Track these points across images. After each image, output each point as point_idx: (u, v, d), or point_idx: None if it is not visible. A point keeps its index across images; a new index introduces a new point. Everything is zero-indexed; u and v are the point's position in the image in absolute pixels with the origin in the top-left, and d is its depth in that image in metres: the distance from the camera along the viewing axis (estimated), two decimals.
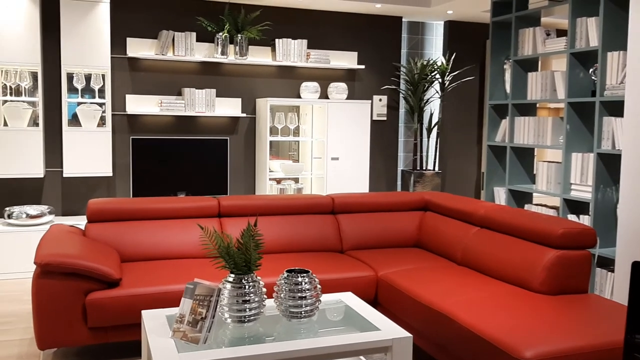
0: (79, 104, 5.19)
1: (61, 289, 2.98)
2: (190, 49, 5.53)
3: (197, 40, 5.70)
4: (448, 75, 6.53)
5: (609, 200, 4.14)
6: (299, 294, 2.54)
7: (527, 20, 4.95)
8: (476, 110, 6.82)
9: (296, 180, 6.00)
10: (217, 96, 5.82)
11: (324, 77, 6.20)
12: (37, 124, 5.05)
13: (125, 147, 5.57)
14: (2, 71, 4.98)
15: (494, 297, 2.92)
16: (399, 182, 6.65)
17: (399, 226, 4.16)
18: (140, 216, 3.75)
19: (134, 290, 3.07)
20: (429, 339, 3.03)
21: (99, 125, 5.22)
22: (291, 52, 5.87)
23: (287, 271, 2.65)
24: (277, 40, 5.81)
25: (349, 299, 2.95)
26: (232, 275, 2.52)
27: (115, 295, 3.03)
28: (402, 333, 2.48)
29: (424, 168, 6.62)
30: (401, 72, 6.49)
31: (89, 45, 5.08)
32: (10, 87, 5.03)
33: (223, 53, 5.61)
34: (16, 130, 4.91)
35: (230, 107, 5.85)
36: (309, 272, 2.62)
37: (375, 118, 6.42)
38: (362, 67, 6.17)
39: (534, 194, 5.17)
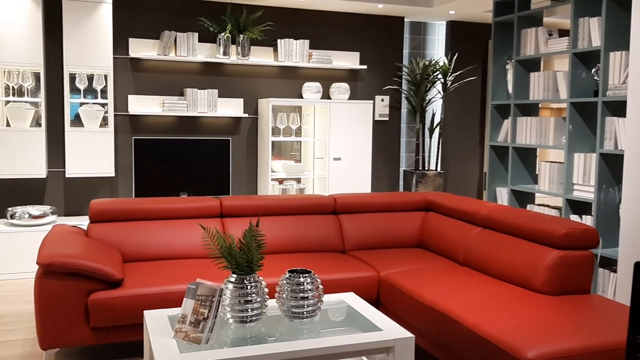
0: (81, 104, 5.20)
1: (63, 289, 2.98)
2: (192, 50, 5.54)
3: (199, 41, 5.70)
4: (450, 76, 6.53)
5: (612, 200, 4.13)
6: (301, 294, 2.54)
7: (530, 20, 4.94)
8: (478, 110, 6.82)
9: (298, 180, 6.00)
10: (219, 96, 5.83)
11: (326, 78, 6.20)
12: (39, 125, 5.06)
13: (127, 147, 5.57)
14: (4, 72, 4.99)
15: (496, 298, 2.92)
16: (401, 183, 6.65)
17: (401, 226, 4.16)
18: (142, 216, 3.75)
19: (136, 291, 3.07)
20: (431, 339, 3.02)
21: (101, 126, 5.23)
22: (293, 52, 5.87)
23: (289, 271, 2.65)
24: (279, 40, 5.81)
25: (351, 299, 2.94)
26: (234, 275, 2.52)
27: (118, 296, 3.03)
28: (404, 333, 2.48)
29: (426, 168, 6.62)
30: (403, 72, 6.48)
31: (91, 45, 5.09)
32: (12, 87, 5.04)
33: (225, 53, 5.61)
34: (19, 131, 4.92)
35: (233, 108, 5.86)
36: (311, 272, 2.62)
37: (377, 118, 6.42)
38: (364, 67, 6.17)
39: (537, 194, 5.16)
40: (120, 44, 5.49)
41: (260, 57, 5.91)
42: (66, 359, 3.23)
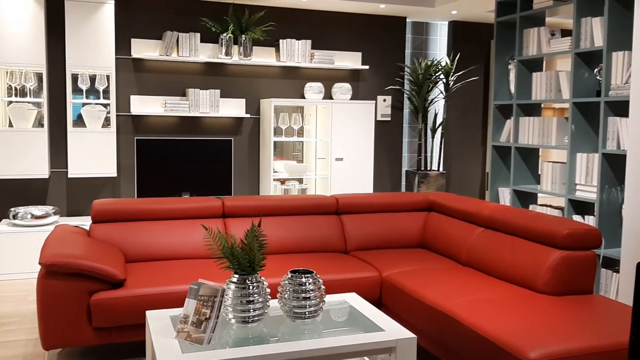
0: (83, 104, 5.21)
1: (66, 290, 2.99)
2: (194, 50, 5.54)
3: (201, 41, 5.70)
4: (452, 76, 6.52)
5: (614, 200, 4.12)
6: (303, 295, 2.54)
7: (532, 20, 4.94)
8: (481, 110, 6.81)
9: (300, 180, 6.00)
10: (221, 97, 5.83)
11: (328, 78, 6.20)
12: (42, 125, 5.07)
13: (129, 147, 5.58)
14: (7, 72, 5.00)
15: (498, 298, 2.91)
16: (403, 183, 6.64)
17: (403, 227, 4.16)
18: (144, 217, 3.75)
19: (138, 291, 3.08)
20: (433, 339, 3.02)
21: (103, 126, 5.23)
22: (295, 52, 5.87)
23: (291, 272, 2.65)
24: (281, 40, 5.81)
25: (353, 299, 2.94)
26: (236, 275, 2.52)
27: (120, 296, 3.03)
28: (406, 334, 2.48)
29: (429, 168, 6.61)
30: (405, 73, 6.48)
31: (93, 46, 5.10)
32: (15, 88, 5.05)
33: (227, 54, 5.62)
34: (21, 131, 4.93)
35: (235, 108, 5.86)
36: (313, 272, 2.62)
37: (379, 118, 6.41)
38: (366, 67, 6.17)
39: (539, 195, 5.15)
40: (122, 44, 5.49)
41: (262, 57, 5.91)
42: (68, 359, 3.23)
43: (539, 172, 5.04)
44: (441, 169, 6.65)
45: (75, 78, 5.18)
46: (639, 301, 2.01)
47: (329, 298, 2.97)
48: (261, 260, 2.53)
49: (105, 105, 5.24)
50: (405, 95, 6.52)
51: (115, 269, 3.06)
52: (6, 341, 3.45)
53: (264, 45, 5.93)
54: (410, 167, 6.73)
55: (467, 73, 6.69)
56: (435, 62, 6.28)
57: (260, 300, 2.49)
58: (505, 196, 5.18)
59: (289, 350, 2.28)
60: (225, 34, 5.58)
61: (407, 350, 2.45)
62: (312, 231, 3.97)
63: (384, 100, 6.41)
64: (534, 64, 4.98)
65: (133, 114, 5.49)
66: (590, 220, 4.21)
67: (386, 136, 6.47)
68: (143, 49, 5.52)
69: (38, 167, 4.99)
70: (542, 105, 6.44)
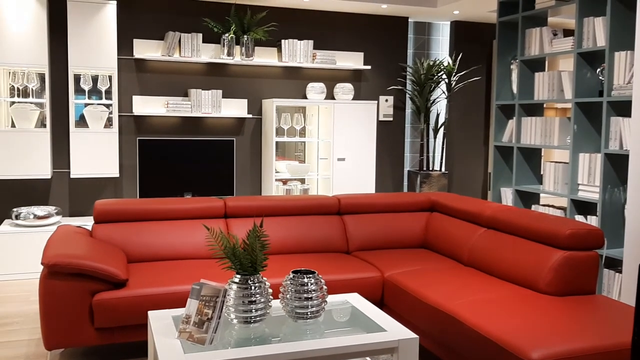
0: (86, 105, 5.21)
1: (68, 290, 2.99)
2: (196, 50, 5.54)
3: (204, 42, 5.71)
4: (454, 76, 6.52)
5: (617, 200, 4.12)
6: (305, 295, 2.54)
7: (534, 20, 4.93)
8: (483, 110, 6.80)
9: (302, 181, 6.00)
10: (223, 97, 5.83)
11: (330, 78, 6.20)
12: (44, 125, 5.07)
13: (132, 148, 5.58)
14: (10, 73, 5.01)
15: (500, 298, 2.91)
16: (405, 183, 6.64)
17: (406, 227, 4.15)
18: (146, 217, 3.76)
19: (140, 291, 3.08)
20: (435, 340, 3.02)
21: (105, 126, 5.24)
22: (297, 52, 5.88)
23: (293, 272, 2.65)
24: (283, 41, 5.81)
25: (355, 299, 2.94)
26: (238, 276, 2.52)
27: (122, 296, 3.04)
28: (408, 334, 2.48)
29: (431, 169, 6.61)
30: (407, 73, 6.48)
31: (96, 46, 5.10)
32: (18, 88, 5.05)
33: (229, 54, 5.62)
34: (24, 132, 4.94)
35: (237, 108, 5.86)
36: (315, 272, 2.62)
37: (381, 118, 6.41)
38: (368, 67, 6.17)
39: (541, 195, 5.15)
40: (124, 45, 5.50)
41: (264, 57, 5.91)
42: (71, 359, 3.23)
43: (542, 172, 5.03)
44: (443, 169, 6.64)
45: (77, 78, 5.19)
46: None
47: (331, 298, 2.97)
48: (263, 261, 2.53)
49: (108, 106, 5.24)
50: (407, 96, 6.51)
51: (117, 269, 3.06)
52: (9, 341, 3.46)
53: (266, 45, 5.93)
54: (413, 167, 6.73)
55: (470, 73, 6.69)
56: (438, 62, 6.28)
57: (262, 300, 2.49)
58: (507, 196, 5.17)
59: (291, 350, 2.28)
60: (227, 35, 5.59)
61: (409, 351, 2.45)
62: (314, 231, 3.97)
63: (386, 100, 6.41)
64: (536, 64, 4.98)
65: (135, 114, 5.50)
66: (593, 221, 4.20)
67: (388, 136, 6.47)
68: (145, 49, 5.52)
69: (40, 167, 4.99)
70: (545, 105, 6.44)
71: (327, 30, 6.15)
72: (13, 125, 5.02)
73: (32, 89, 5.06)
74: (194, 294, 2.45)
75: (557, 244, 3.11)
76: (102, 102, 5.22)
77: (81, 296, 3.01)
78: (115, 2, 5.10)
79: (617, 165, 4.10)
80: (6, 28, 4.83)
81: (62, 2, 5.28)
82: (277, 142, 5.91)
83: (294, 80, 6.07)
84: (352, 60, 6.24)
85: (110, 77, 5.22)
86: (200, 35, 5.55)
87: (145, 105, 5.58)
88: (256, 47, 5.88)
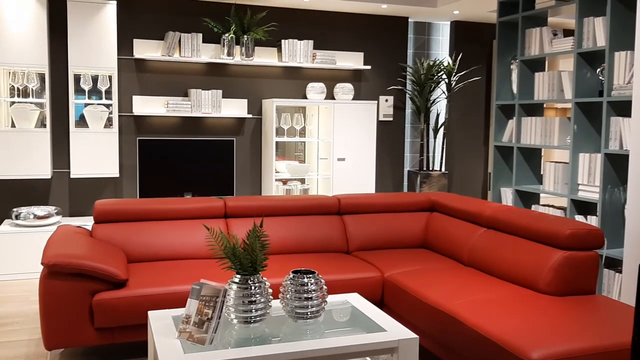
0: (86, 105, 5.21)
1: (68, 290, 2.99)
2: (196, 50, 5.54)
3: (204, 42, 5.71)
4: (454, 76, 6.52)
5: (617, 200, 4.12)
6: (305, 295, 2.54)
7: (534, 20, 4.93)
8: (483, 110, 6.80)
9: (302, 181, 6.00)
10: (223, 97, 5.83)
11: (330, 78, 6.20)
12: (44, 125, 5.07)
13: (132, 148, 5.58)
14: (10, 73, 5.01)
15: (500, 298, 2.91)
16: (405, 183, 6.64)
17: (406, 227, 4.15)
18: (146, 217, 3.76)
19: (140, 291, 3.08)
20: (435, 340, 3.02)
21: (105, 127, 5.24)
22: (297, 52, 5.88)
23: (293, 272, 2.65)
24: (283, 41, 5.81)
25: (355, 299, 2.94)
26: (238, 276, 2.52)
27: (122, 296, 3.04)
28: (408, 334, 2.48)
29: (431, 169, 6.61)
30: (407, 73, 6.48)
31: (96, 46, 5.10)
32: (18, 88, 5.05)
33: (229, 54, 5.62)
34: (24, 132, 4.94)
35: (237, 108, 5.86)
36: (315, 272, 2.62)
37: (381, 119, 6.41)
38: (368, 67, 6.17)
39: (541, 195, 5.15)
40: (124, 45, 5.50)
41: (264, 57, 5.91)
42: (71, 359, 3.23)
43: (542, 172, 5.03)
44: (443, 169, 6.64)
45: (77, 78, 5.19)
46: None
47: (331, 298, 2.97)
48: (263, 261, 2.53)
49: (108, 106, 5.24)
50: (407, 96, 6.51)
51: (117, 269, 3.06)
52: (9, 341, 3.46)
53: (265, 45, 5.93)
54: (413, 167, 6.73)
55: (469, 73, 6.69)
56: (438, 62, 6.28)
57: (262, 300, 2.49)
58: (507, 196, 5.17)
59: (291, 350, 2.28)
60: (227, 35, 5.59)
61: (409, 351, 2.45)
62: (314, 231, 3.97)
63: (386, 100, 6.41)
64: (536, 64, 4.98)
65: (135, 114, 5.50)
66: (593, 221, 4.20)
67: (388, 136, 6.47)
68: (145, 49, 5.52)
69: (40, 167, 4.99)
70: (545, 105, 6.44)
71: (327, 30, 6.15)
72: (13, 125, 5.02)
73: (32, 89, 5.06)
74: (194, 294, 2.45)
75: (557, 244, 3.11)
76: (102, 102, 5.22)
77: (81, 296, 3.01)
78: (115, 2, 5.10)
79: (617, 165, 4.10)
80: (6, 28, 4.83)
81: (62, 2, 5.28)
82: (277, 142, 5.91)
83: (294, 80, 6.07)
84: (352, 60, 6.24)
85: (110, 77, 5.22)
86: (200, 35, 5.55)
87: (145, 105, 5.58)
88: (256, 47, 5.88)
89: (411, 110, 6.64)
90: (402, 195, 4.30)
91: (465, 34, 6.64)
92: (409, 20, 6.56)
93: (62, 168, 5.40)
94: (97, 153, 5.17)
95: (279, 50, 5.89)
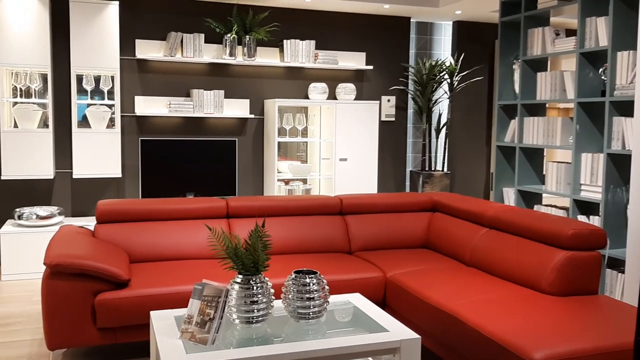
0: (88, 105, 5.22)
1: (70, 290, 3.00)
2: (198, 51, 5.55)
3: (206, 42, 5.71)
4: (457, 76, 6.51)
5: (619, 200, 4.11)
6: (307, 295, 2.54)
7: (536, 20, 4.93)
8: (485, 110, 6.80)
9: (304, 181, 6.00)
10: (225, 97, 5.84)
11: (332, 78, 6.20)
12: (47, 126, 5.08)
13: (134, 148, 5.59)
14: (12, 73, 5.02)
15: (502, 299, 2.91)
16: (407, 183, 6.64)
17: (408, 227, 4.15)
18: (149, 217, 3.76)
19: (142, 291, 3.08)
20: (438, 340, 3.02)
21: (108, 127, 5.25)
22: (299, 53, 5.88)
23: (295, 272, 2.65)
24: (285, 41, 5.82)
25: (357, 300, 2.94)
26: (240, 276, 2.52)
27: (124, 296, 3.04)
28: (410, 334, 2.48)
29: (433, 169, 6.61)
30: (409, 73, 6.47)
31: (98, 47, 5.11)
32: (20, 89, 5.06)
33: (231, 54, 5.62)
34: (26, 132, 4.94)
35: (239, 108, 5.87)
36: (317, 273, 2.62)
37: (383, 119, 6.41)
38: (371, 67, 6.17)
39: (544, 195, 5.14)
40: (126, 45, 5.51)
41: (267, 57, 5.92)
42: (73, 359, 3.24)
43: (544, 172, 5.03)
44: (445, 169, 6.64)
45: (80, 79, 5.20)
46: None
47: (333, 298, 2.97)
48: (265, 261, 2.53)
49: (110, 106, 5.25)
50: (409, 96, 6.51)
51: (119, 269, 3.07)
52: (11, 341, 3.46)
53: (268, 45, 5.93)
54: (415, 167, 6.72)
55: (472, 73, 6.68)
56: (440, 62, 6.27)
57: (264, 300, 2.49)
58: (509, 196, 5.17)
59: (293, 350, 2.28)
60: (229, 35, 5.59)
61: (411, 351, 2.45)
62: (316, 231, 3.97)
63: (388, 100, 6.41)
64: (538, 64, 4.97)
65: (137, 114, 5.50)
66: (595, 221, 4.19)
67: (390, 136, 6.46)
68: (147, 49, 5.53)
69: (43, 167, 5.00)
70: (547, 105, 6.43)
71: (329, 30, 6.15)
72: (16, 126, 5.03)
73: (34, 90, 5.07)
74: (196, 294, 2.45)
75: (560, 244, 3.10)
76: (104, 102, 5.23)
77: (83, 296, 3.02)
78: (117, 2, 5.11)
79: (619, 165, 4.09)
80: (9, 29, 4.84)
81: (65, 3, 5.28)
82: (279, 142, 5.91)
83: (296, 81, 6.07)
84: (354, 61, 6.23)
85: (112, 78, 5.23)
86: (203, 35, 5.55)
87: (148, 106, 5.58)
88: (258, 48, 5.88)
89: (413, 110, 6.64)
90: (404, 196, 4.30)
91: (468, 34, 6.63)
92: (411, 20, 6.55)
93: (64, 168, 5.41)
94: (99, 153, 5.17)
95: (281, 51, 5.90)
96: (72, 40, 5.05)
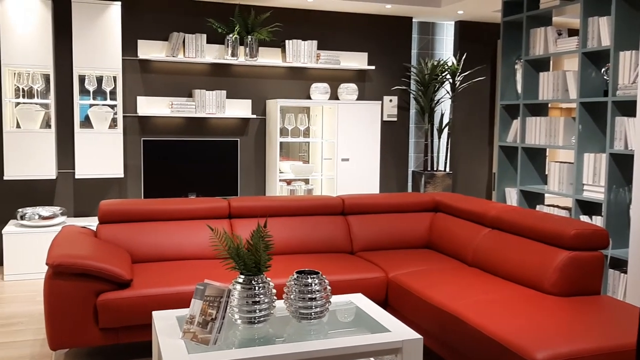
0: (90, 105, 5.23)
1: (73, 290, 3.00)
2: (200, 51, 5.55)
3: (208, 42, 5.72)
4: (459, 76, 6.51)
5: (622, 200, 4.10)
6: (309, 295, 2.54)
7: (539, 19, 4.92)
8: (487, 110, 6.79)
9: (306, 181, 6.00)
10: (227, 97, 5.84)
11: (334, 78, 6.20)
12: (49, 126, 5.09)
13: (136, 148, 5.60)
14: (15, 73, 5.03)
15: (505, 299, 2.90)
16: (409, 183, 6.63)
17: (410, 227, 4.15)
18: (151, 217, 3.77)
19: (144, 291, 3.08)
20: (440, 340, 3.01)
21: (110, 127, 5.25)
22: (301, 53, 5.88)
23: (297, 272, 2.65)
24: (287, 41, 5.82)
25: (359, 300, 2.94)
26: (242, 276, 2.52)
27: (126, 296, 3.04)
28: (412, 334, 2.47)
29: (435, 169, 6.60)
30: (411, 73, 6.47)
31: (100, 47, 5.12)
32: (23, 89, 5.07)
33: (233, 54, 5.63)
34: (29, 132, 4.95)
35: (241, 109, 5.87)
36: (319, 273, 2.62)
37: (385, 119, 6.41)
38: (373, 67, 6.16)
39: (546, 195, 5.13)
40: (129, 46, 5.51)
41: (269, 58, 5.92)
42: (75, 359, 3.25)
43: (546, 173, 5.02)
44: (448, 169, 6.63)
45: (82, 79, 5.20)
46: None
47: (335, 299, 2.97)
48: (267, 261, 2.53)
49: (112, 106, 5.26)
50: (411, 96, 6.51)
51: (121, 269, 3.07)
52: (14, 341, 3.47)
53: (270, 46, 5.93)
54: (417, 167, 6.72)
55: (474, 73, 6.68)
56: (442, 62, 6.27)
57: (266, 300, 2.49)
58: (512, 196, 5.16)
59: (295, 351, 2.28)
60: (231, 35, 5.59)
61: (413, 351, 2.45)
62: (318, 232, 3.97)
63: (390, 100, 6.41)
64: (540, 64, 4.96)
65: (140, 114, 5.51)
66: (598, 221, 4.19)
67: (392, 136, 6.46)
68: (149, 50, 5.53)
69: (45, 168, 5.01)
70: (549, 105, 6.42)
71: (331, 30, 6.15)
72: (18, 126, 5.04)
73: (37, 90, 5.08)
74: (198, 294, 2.45)
75: (562, 244, 3.10)
76: (106, 102, 5.23)
77: (86, 296, 3.02)
78: (119, 3, 5.12)
79: (622, 165, 4.09)
80: (11, 29, 4.85)
81: (67, 3, 5.29)
82: (281, 143, 5.91)
83: (298, 81, 6.07)
84: (356, 61, 6.23)
85: (114, 78, 5.23)
86: (205, 35, 5.55)
87: (150, 106, 5.59)
88: (260, 48, 5.88)
89: (415, 110, 6.64)
90: (406, 196, 4.29)
91: (470, 34, 6.62)
92: (413, 20, 6.55)
93: (67, 168, 5.42)
94: (101, 153, 5.18)
95: (283, 51, 5.90)
96: (75, 41, 5.06)
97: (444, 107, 6.79)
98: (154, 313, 2.70)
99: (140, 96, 5.56)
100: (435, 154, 6.73)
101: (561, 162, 4.57)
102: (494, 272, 3.42)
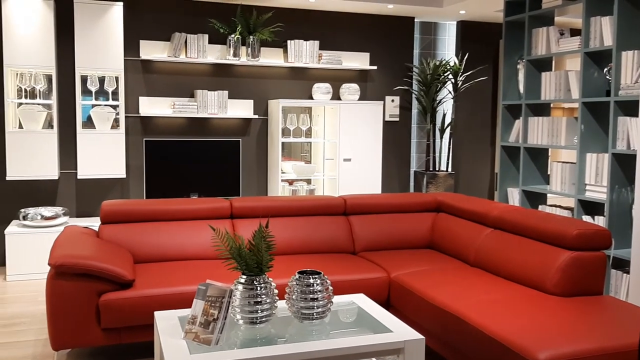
0: (93, 106, 5.23)
1: (75, 290, 3.00)
2: (202, 51, 5.55)
3: (210, 42, 5.72)
4: (461, 76, 6.50)
5: (624, 200, 4.09)
6: (311, 296, 2.54)
7: (541, 19, 4.92)
8: (489, 110, 6.78)
9: (308, 181, 6.00)
10: (229, 98, 5.84)
11: (336, 78, 6.20)
12: (51, 126, 5.10)
13: (138, 148, 5.60)
14: (17, 74, 5.03)
15: (507, 299, 2.90)
16: (411, 183, 6.63)
17: (412, 227, 4.15)
18: (153, 217, 3.77)
19: (146, 292, 3.09)
20: (442, 340, 3.01)
21: (112, 127, 5.26)
22: (303, 53, 5.88)
23: (299, 272, 2.65)
24: (289, 41, 5.82)
25: (361, 300, 2.94)
26: (244, 276, 2.52)
27: (128, 297, 3.04)
28: (414, 335, 2.47)
29: (437, 169, 6.60)
30: (414, 73, 6.47)
31: (102, 47, 5.12)
32: (25, 89, 5.08)
33: (235, 55, 5.63)
34: (31, 133, 4.96)
35: (243, 109, 5.87)
36: (321, 273, 2.62)
37: (387, 119, 6.40)
38: (374, 67, 6.16)
39: (548, 195, 5.13)
40: (131, 46, 5.52)
41: (270, 58, 5.92)
42: (77, 359, 3.25)
43: (549, 173, 5.01)
44: (450, 169, 6.63)
45: (84, 80, 5.21)
46: None
47: (336, 299, 2.96)
48: (269, 261, 2.53)
49: (114, 107, 5.26)
50: (413, 96, 6.50)
51: (123, 269, 3.07)
52: (16, 341, 3.47)
53: (271, 46, 5.94)
54: (419, 167, 6.72)
55: (476, 73, 6.67)
56: (444, 62, 6.26)
57: (268, 301, 2.49)
58: (514, 196, 5.16)
59: (297, 351, 2.28)
60: (233, 35, 5.60)
61: (416, 352, 2.45)
62: (320, 232, 3.97)
63: (392, 100, 6.40)
64: (543, 64, 4.96)
65: (142, 115, 5.51)
66: (600, 221, 4.18)
67: (394, 137, 6.46)
68: (151, 50, 5.54)
69: (48, 168, 5.02)
70: (552, 105, 6.41)
71: (332, 30, 6.15)
72: (21, 127, 5.05)
73: (39, 91, 5.09)
74: (200, 294, 2.45)
75: (564, 244, 3.09)
76: (108, 103, 5.24)
77: (88, 297, 3.02)
78: (121, 3, 5.12)
79: (624, 165, 4.08)
80: (14, 30, 4.86)
81: (69, 4, 5.30)
82: (283, 143, 5.91)
83: (300, 81, 6.07)
84: (358, 61, 6.23)
85: (116, 78, 5.24)
86: (206, 36, 5.56)
87: (152, 106, 5.59)
88: (262, 48, 5.88)
89: (417, 110, 6.63)
90: (408, 196, 4.29)
91: (472, 34, 6.62)
92: (415, 20, 6.55)
93: (69, 169, 5.42)
94: (104, 154, 5.18)
95: (285, 51, 5.90)
96: (77, 41, 5.06)
97: (446, 107, 6.79)
98: (156, 313, 2.70)
99: (142, 96, 5.56)
100: (437, 154, 6.72)
101: (563, 162, 4.57)
102: (496, 272, 3.41)
